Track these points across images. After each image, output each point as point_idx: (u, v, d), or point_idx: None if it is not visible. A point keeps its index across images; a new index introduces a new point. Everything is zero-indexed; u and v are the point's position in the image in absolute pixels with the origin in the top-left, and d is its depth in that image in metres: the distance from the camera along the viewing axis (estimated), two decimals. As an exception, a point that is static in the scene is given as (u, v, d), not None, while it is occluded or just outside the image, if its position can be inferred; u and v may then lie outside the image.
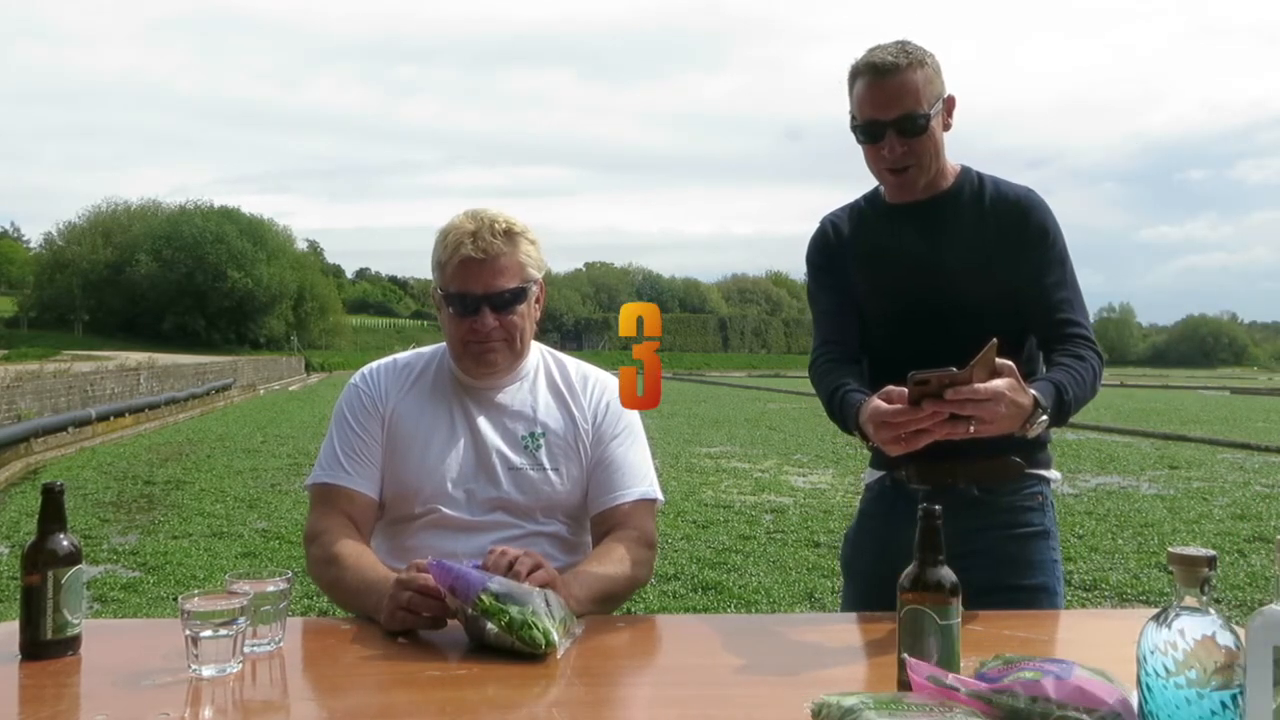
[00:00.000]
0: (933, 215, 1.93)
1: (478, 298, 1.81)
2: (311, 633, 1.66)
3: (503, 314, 1.83)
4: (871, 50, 1.86)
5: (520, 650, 1.40)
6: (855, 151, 1.92)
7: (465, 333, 1.84)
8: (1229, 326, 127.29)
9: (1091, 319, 1.92)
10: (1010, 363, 1.58)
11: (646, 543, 1.85)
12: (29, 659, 1.39)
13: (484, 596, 1.43)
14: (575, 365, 2.02)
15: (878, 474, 2.01)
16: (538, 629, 1.40)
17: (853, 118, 1.88)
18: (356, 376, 1.99)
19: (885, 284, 1.95)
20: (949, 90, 1.89)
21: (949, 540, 1.79)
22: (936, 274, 1.89)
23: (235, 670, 1.33)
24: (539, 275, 1.89)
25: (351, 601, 1.73)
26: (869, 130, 1.85)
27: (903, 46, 1.85)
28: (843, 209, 2.06)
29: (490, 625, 1.42)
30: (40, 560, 1.41)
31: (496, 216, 1.84)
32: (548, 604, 1.46)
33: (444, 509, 1.83)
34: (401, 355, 2.03)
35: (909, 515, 1.84)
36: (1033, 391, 1.62)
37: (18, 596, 1.48)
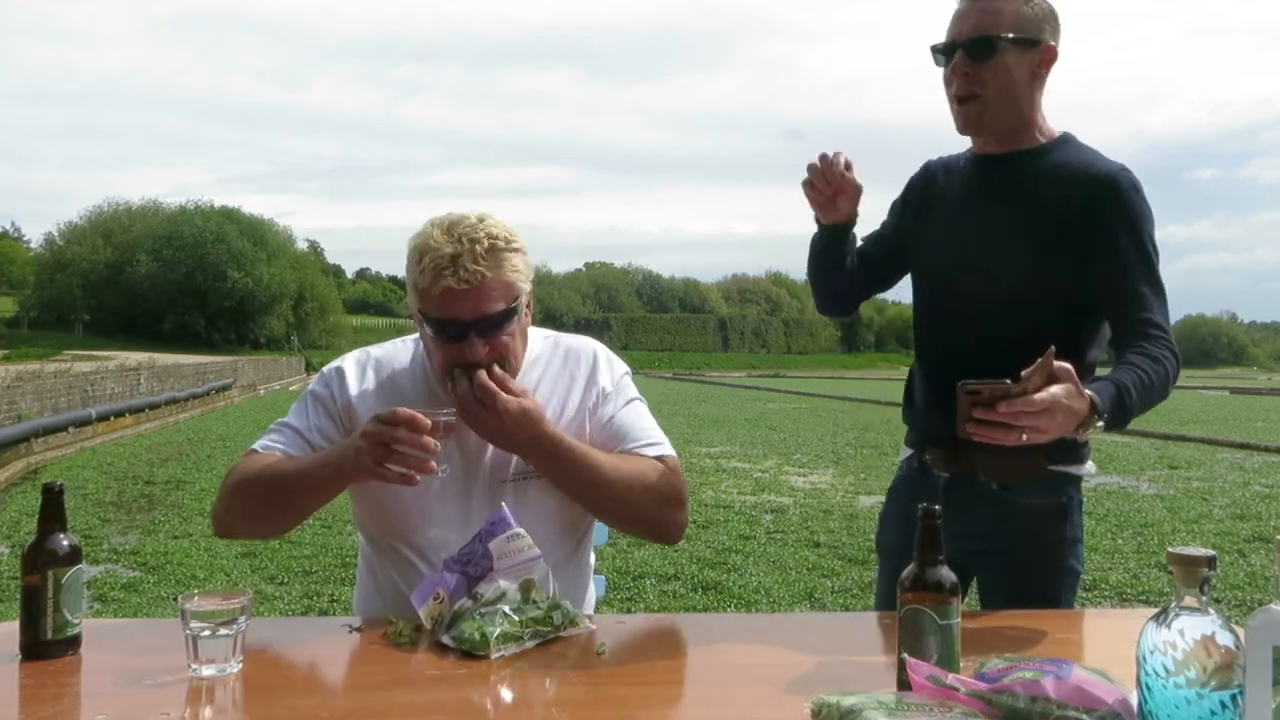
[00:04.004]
0: (1010, 172, 1.84)
1: (463, 324, 1.66)
2: (311, 633, 1.66)
3: (492, 337, 1.69)
4: None
5: (462, 648, 1.42)
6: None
7: (452, 358, 1.69)
8: (1228, 326, 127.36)
9: None
10: (1068, 365, 1.48)
11: (676, 494, 1.74)
12: (29, 659, 1.39)
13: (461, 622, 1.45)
14: (567, 345, 1.90)
15: (909, 451, 2.00)
16: (477, 636, 1.41)
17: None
18: (332, 371, 1.84)
19: (937, 237, 1.92)
20: (1056, 45, 1.79)
21: (966, 532, 1.80)
22: (993, 239, 1.82)
23: (235, 670, 1.33)
24: (528, 286, 1.75)
25: (301, 479, 1.66)
26: (945, 50, 1.79)
27: None
28: (951, 156, 2.00)
29: (446, 635, 1.45)
30: (40, 560, 1.41)
31: (477, 234, 1.67)
32: (520, 603, 1.48)
33: (432, 532, 1.74)
34: (377, 352, 1.88)
35: (933, 494, 1.86)
36: (1090, 393, 1.52)
37: (18, 596, 1.47)
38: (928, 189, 1.99)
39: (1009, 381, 1.46)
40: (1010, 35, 1.75)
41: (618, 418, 1.82)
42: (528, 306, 1.78)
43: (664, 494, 1.73)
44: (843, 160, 1.84)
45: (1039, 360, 1.47)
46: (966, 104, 1.79)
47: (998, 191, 1.84)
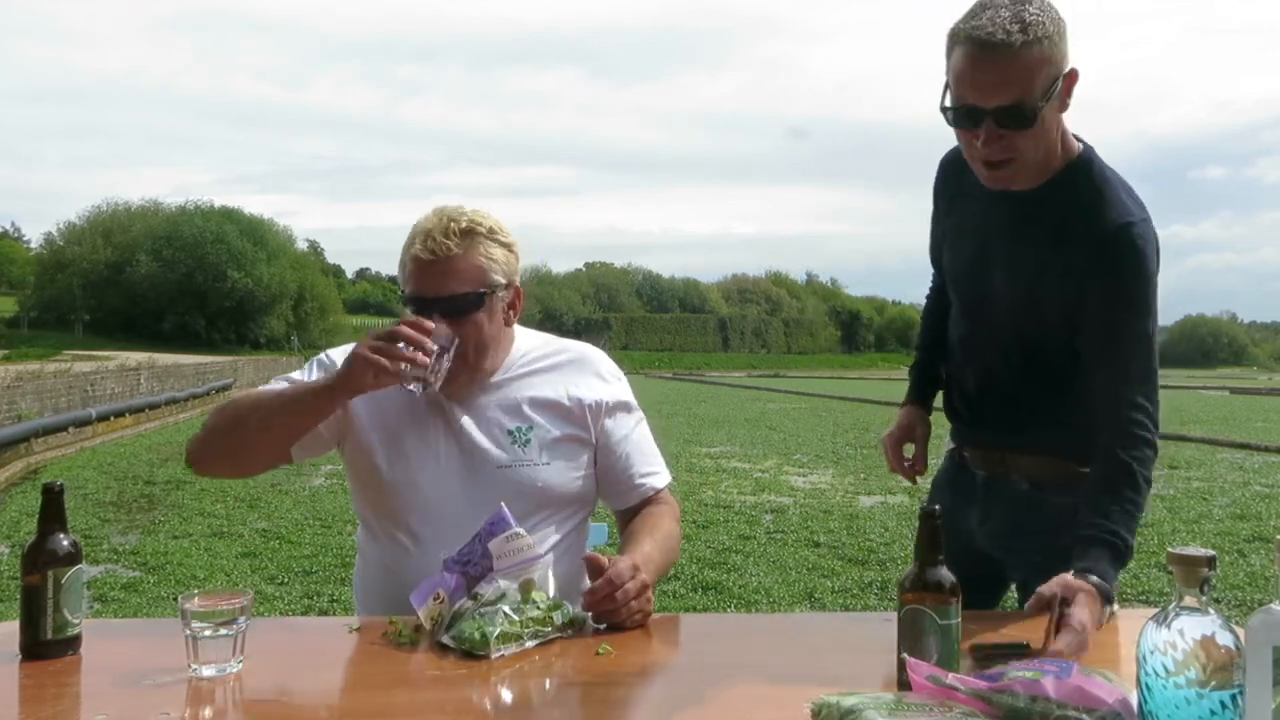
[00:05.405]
0: (1022, 207, 1.70)
1: (428, 301, 1.70)
2: (311, 633, 1.66)
3: (455, 321, 1.69)
4: (979, 12, 1.54)
5: (462, 648, 1.42)
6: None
7: None
8: (1228, 326, 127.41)
9: None
10: (1063, 585, 1.48)
11: (676, 518, 1.88)
12: (29, 659, 1.39)
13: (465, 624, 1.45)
14: (568, 344, 1.93)
15: (952, 444, 1.99)
16: (477, 635, 1.41)
17: (946, 89, 1.59)
18: (335, 354, 1.82)
19: (955, 264, 1.89)
20: (1073, 62, 1.58)
21: (1001, 530, 1.79)
22: (991, 255, 1.77)
23: (235, 670, 1.33)
24: (505, 280, 1.76)
25: (290, 401, 1.69)
26: (964, 115, 1.57)
27: (1019, 15, 1.50)
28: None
29: (446, 635, 1.45)
30: (40, 560, 1.41)
31: (460, 214, 1.73)
32: (520, 603, 1.47)
33: (426, 518, 1.75)
34: None
35: (971, 491, 1.86)
36: (1097, 582, 1.50)
37: (18, 596, 1.48)
38: (955, 181, 1.88)
39: (1025, 644, 1.44)
40: (1049, 96, 1.54)
41: (631, 438, 1.88)
42: (510, 307, 1.80)
43: (679, 535, 1.87)
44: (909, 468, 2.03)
45: (1047, 624, 1.45)
46: (998, 169, 1.62)
47: (1004, 210, 1.75)
